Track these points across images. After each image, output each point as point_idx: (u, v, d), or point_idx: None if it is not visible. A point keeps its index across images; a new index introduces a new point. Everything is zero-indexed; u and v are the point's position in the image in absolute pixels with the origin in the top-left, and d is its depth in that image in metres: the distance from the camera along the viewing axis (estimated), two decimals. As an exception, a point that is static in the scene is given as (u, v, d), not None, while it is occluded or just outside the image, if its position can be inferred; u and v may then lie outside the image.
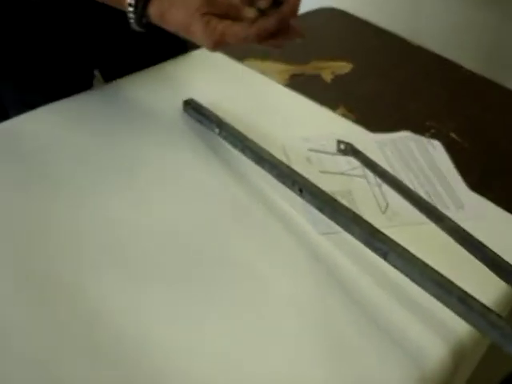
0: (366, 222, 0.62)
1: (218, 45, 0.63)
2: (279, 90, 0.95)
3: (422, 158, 0.83)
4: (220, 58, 1.01)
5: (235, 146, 0.78)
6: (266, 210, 0.72)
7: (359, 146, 0.83)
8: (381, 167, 0.79)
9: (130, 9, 0.65)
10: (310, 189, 0.67)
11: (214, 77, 0.96)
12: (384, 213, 0.74)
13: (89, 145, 0.79)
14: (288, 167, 0.71)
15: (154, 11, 0.65)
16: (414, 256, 0.56)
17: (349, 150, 0.81)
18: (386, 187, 0.77)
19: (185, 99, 0.87)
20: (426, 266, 0.55)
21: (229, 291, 0.61)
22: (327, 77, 0.96)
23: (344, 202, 0.71)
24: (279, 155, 0.76)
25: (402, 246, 0.58)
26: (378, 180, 0.78)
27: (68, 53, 0.91)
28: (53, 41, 0.89)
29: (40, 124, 0.82)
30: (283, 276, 0.64)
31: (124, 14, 0.72)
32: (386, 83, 0.97)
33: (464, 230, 0.64)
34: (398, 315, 0.60)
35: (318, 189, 0.67)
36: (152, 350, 0.54)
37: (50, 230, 0.66)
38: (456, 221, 0.68)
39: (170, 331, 0.56)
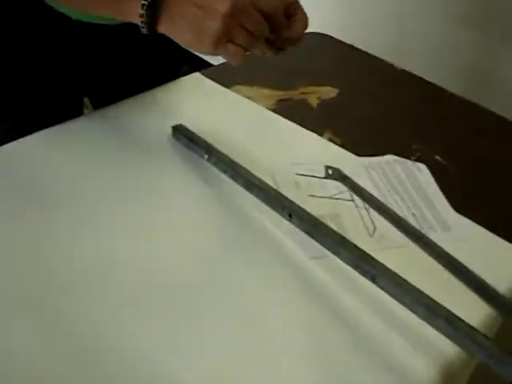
0: (353, 245, 0.63)
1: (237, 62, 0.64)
2: (267, 116, 0.96)
3: (409, 181, 0.85)
4: (209, 84, 1.03)
5: (224, 171, 0.79)
6: (255, 235, 0.73)
7: (346, 171, 0.84)
8: (367, 192, 0.80)
9: (141, 24, 0.63)
10: (298, 213, 0.68)
11: (202, 103, 0.98)
12: (372, 236, 0.75)
13: (78, 172, 0.79)
14: (277, 192, 0.72)
15: (163, 31, 0.64)
16: (401, 278, 0.57)
17: (336, 175, 0.82)
18: (373, 211, 0.78)
19: (174, 125, 0.88)
20: (413, 288, 0.56)
21: (218, 320, 0.61)
22: (313, 101, 0.97)
23: (332, 225, 0.72)
24: (268, 180, 0.77)
25: (389, 269, 0.59)
26: (366, 204, 0.80)
27: (58, 80, 0.92)
28: (42, 69, 0.89)
29: (30, 151, 0.82)
30: (274, 301, 0.64)
31: (115, 36, 0.73)
32: (371, 107, 0.99)
33: (449, 255, 0.66)
34: (386, 336, 0.60)
35: (307, 213, 0.68)
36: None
37: (37, 258, 0.66)
38: (443, 242, 0.69)
39: (158, 363, 0.56)
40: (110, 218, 0.73)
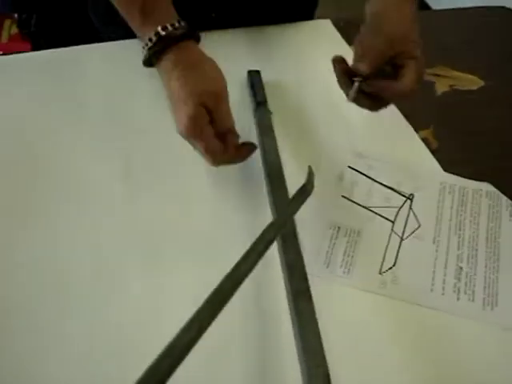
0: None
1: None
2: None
3: (488, 224, 0.63)
4: (333, 35, 0.89)
5: (260, 134, 0.68)
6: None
7: (418, 181, 0.66)
8: (417, 221, 0.62)
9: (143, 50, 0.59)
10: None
11: (310, 54, 0.85)
12: (381, 273, 0.57)
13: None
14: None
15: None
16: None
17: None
18: (409, 245, 0.60)
19: (250, 70, 0.78)
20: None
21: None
22: (441, 88, 0.77)
23: (342, 240, 0.60)
24: (316, 161, 0.66)
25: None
26: (406, 234, 0.61)
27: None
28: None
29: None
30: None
31: None
32: (508, 119, 0.74)
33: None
34: None
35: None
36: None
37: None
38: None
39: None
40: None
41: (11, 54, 0.86)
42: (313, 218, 0.62)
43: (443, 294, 0.56)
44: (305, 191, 0.57)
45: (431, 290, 0.56)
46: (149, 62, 0.58)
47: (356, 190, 0.66)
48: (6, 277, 0.55)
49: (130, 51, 0.71)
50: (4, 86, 0.77)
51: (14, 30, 1.94)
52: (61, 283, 0.55)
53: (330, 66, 0.72)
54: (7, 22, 1.97)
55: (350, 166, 0.68)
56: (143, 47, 0.58)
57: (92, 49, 0.84)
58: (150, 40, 0.57)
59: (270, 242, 0.45)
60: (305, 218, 0.61)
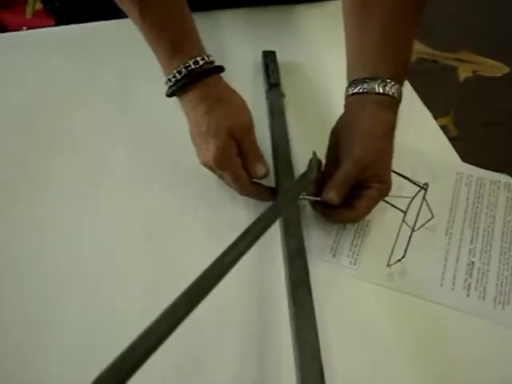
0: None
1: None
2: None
3: (505, 217, 0.60)
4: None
5: (271, 114, 0.67)
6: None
7: (434, 171, 0.63)
8: (430, 212, 0.60)
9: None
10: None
11: (332, 37, 0.82)
12: (389, 266, 0.56)
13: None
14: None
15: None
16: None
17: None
18: (420, 237, 0.58)
19: (265, 50, 0.76)
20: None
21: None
22: (464, 74, 0.74)
23: (350, 229, 0.58)
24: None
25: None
26: (418, 225, 0.59)
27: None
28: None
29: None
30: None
31: None
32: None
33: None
34: None
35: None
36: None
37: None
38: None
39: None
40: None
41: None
42: (321, 205, 0.60)
43: (453, 290, 0.54)
44: (305, 177, 0.55)
45: (440, 285, 0.54)
46: (173, 93, 0.58)
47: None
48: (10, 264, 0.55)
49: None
50: (22, 60, 0.77)
51: (39, 5, 1.94)
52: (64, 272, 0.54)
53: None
54: (32, -2, 1.97)
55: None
56: (169, 79, 0.57)
57: (111, 25, 0.83)
58: (179, 72, 0.56)
59: (264, 229, 0.44)
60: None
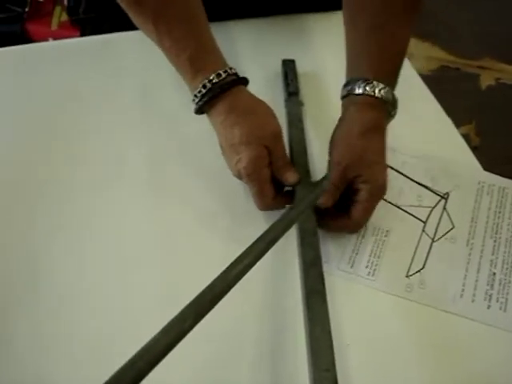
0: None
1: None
2: (411, 83, 0.75)
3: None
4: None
5: (290, 124, 0.66)
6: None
7: (455, 180, 0.63)
8: (451, 222, 0.59)
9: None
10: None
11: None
12: (408, 276, 0.55)
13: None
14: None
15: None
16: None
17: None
18: (440, 247, 0.57)
19: (285, 59, 0.76)
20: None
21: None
22: (486, 82, 0.73)
23: (369, 239, 0.58)
24: None
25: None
26: (438, 236, 0.58)
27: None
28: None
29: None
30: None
31: None
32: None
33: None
34: None
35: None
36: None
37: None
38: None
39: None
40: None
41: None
42: (340, 214, 0.60)
43: (473, 302, 0.53)
44: (320, 186, 0.55)
45: (461, 296, 0.53)
46: (201, 109, 0.58)
47: (387, 187, 0.63)
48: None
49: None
50: (48, 70, 0.78)
51: (64, 17, 1.97)
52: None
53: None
54: (57, 10, 2.00)
55: (383, 163, 0.65)
56: (195, 95, 0.57)
57: (135, 35, 0.84)
58: (204, 87, 0.56)
59: (276, 238, 0.43)
60: (331, 215, 0.59)
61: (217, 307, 0.38)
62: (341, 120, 0.59)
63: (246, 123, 0.56)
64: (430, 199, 0.62)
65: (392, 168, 0.65)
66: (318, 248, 0.52)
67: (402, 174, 0.64)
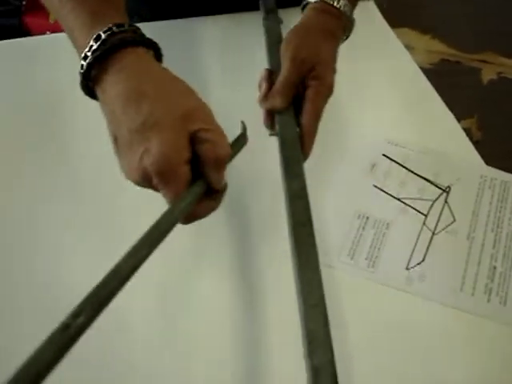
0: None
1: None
2: (412, 76, 0.75)
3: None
4: (374, 16, 0.84)
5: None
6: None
7: (457, 173, 0.62)
8: (451, 215, 0.59)
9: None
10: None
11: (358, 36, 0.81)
12: (408, 269, 0.55)
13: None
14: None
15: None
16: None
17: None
18: (440, 240, 0.57)
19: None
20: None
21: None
22: (487, 76, 0.73)
23: (369, 231, 0.57)
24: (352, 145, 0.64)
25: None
26: (439, 229, 0.58)
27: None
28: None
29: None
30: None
31: None
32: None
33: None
34: None
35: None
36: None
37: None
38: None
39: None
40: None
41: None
42: (340, 205, 0.60)
43: (473, 295, 0.53)
44: (238, 143, 0.48)
45: (460, 290, 0.53)
46: (89, 79, 0.42)
47: (389, 180, 0.63)
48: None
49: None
50: (43, 63, 0.77)
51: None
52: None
53: (371, 51, 0.69)
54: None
55: (384, 154, 0.65)
56: (85, 56, 0.42)
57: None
58: (98, 39, 0.41)
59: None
60: (331, 205, 0.59)
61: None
62: (297, 24, 0.57)
63: (159, 94, 0.39)
64: (432, 192, 0.62)
65: (394, 161, 0.64)
66: (303, 178, 0.47)
67: (404, 166, 0.64)
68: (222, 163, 0.40)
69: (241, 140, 0.48)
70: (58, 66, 0.76)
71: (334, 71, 0.54)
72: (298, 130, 0.51)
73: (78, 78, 0.43)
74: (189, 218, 0.41)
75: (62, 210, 0.58)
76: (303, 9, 0.60)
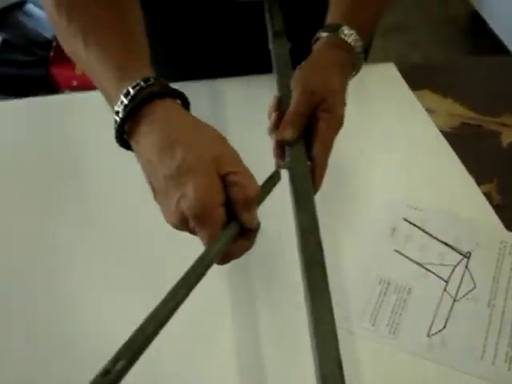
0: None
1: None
2: (433, 140, 0.78)
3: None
4: (395, 78, 0.87)
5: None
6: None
7: (477, 238, 0.64)
8: (472, 282, 0.60)
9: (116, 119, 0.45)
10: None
11: (371, 99, 0.84)
12: (429, 336, 0.56)
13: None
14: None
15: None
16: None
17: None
18: (461, 307, 0.58)
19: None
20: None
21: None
22: (507, 139, 0.74)
23: (390, 297, 0.59)
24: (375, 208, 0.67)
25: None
26: (460, 295, 0.59)
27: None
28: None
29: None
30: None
31: None
32: None
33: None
34: None
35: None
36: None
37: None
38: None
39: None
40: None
41: (85, 85, 0.91)
42: (361, 270, 0.61)
43: (493, 364, 0.53)
44: (271, 181, 0.48)
45: (481, 358, 0.54)
46: (123, 132, 0.45)
47: (409, 244, 0.64)
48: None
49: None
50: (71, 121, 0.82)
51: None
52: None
53: (392, 114, 0.71)
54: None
55: (405, 219, 0.67)
56: (117, 112, 0.44)
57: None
58: (127, 94, 0.44)
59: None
60: (353, 270, 0.60)
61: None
62: (309, 57, 0.57)
63: (190, 141, 0.42)
64: (452, 257, 0.63)
65: (414, 225, 0.66)
66: (315, 212, 0.47)
67: (425, 231, 0.65)
68: (251, 203, 0.42)
69: (274, 178, 0.49)
70: (81, 125, 0.80)
71: (344, 103, 0.55)
72: (308, 163, 0.52)
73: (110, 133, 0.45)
74: (224, 258, 0.43)
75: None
76: (315, 42, 0.61)
